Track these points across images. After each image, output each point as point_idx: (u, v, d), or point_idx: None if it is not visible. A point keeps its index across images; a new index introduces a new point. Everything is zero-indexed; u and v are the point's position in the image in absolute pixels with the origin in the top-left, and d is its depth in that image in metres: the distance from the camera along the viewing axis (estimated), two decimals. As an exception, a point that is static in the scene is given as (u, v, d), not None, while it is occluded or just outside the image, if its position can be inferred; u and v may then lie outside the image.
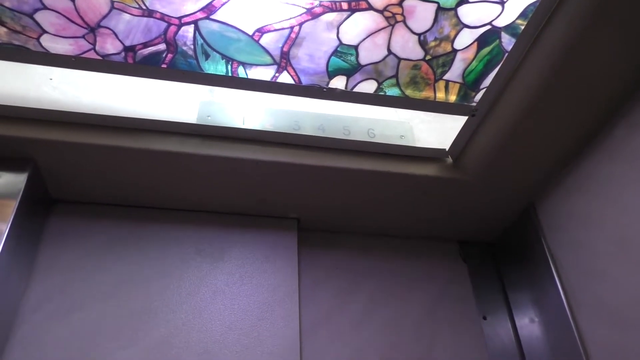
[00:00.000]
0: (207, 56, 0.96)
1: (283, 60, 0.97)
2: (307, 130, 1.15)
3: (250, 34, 0.93)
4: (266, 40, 0.94)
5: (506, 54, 0.98)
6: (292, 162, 1.12)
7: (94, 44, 0.94)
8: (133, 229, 1.19)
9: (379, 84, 1.02)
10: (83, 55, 0.96)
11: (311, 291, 1.21)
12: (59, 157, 1.08)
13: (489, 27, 0.94)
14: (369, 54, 0.97)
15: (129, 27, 0.91)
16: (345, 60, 0.97)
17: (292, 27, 0.92)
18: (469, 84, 1.04)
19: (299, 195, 1.23)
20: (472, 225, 1.36)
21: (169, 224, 1.22)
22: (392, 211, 1.29)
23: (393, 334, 1.20)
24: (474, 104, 1.07)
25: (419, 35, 0.94)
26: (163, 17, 0.90)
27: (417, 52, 0.97)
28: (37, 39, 0.93)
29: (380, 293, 1.26)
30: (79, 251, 1.13)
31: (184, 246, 1.19)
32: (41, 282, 1.08)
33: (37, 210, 1.14)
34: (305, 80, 1.01)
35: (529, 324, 1.22)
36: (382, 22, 0.92)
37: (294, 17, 0.90)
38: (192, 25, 0.91)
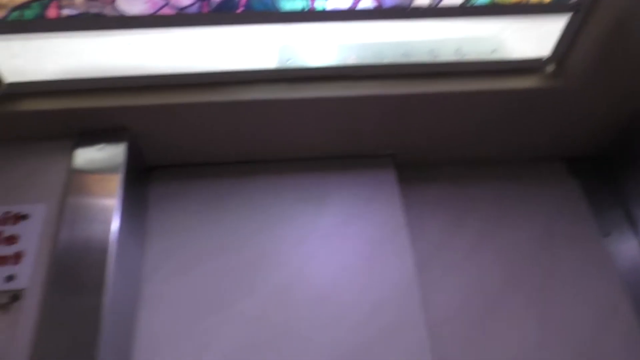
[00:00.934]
0: (282, -8, 0.92)
1: (362, -18, 0.91)
2: (392, 59, 1.09)
3: (325, -43, 0.87)
4: (342, -38, 0.88)
5: None
6: (379, 95, 1.07)
7: (168, -1, 0.92)
8: (232, 185, 1.19)
9: (467, -8, 0.94)
10: (159, 13, 0.94)
11: (418, 226, 1.17)
12: (151, 121, 1.09)
13: None
14: (454, -42, 0.89)
15: (201, -27, 0.89)
16: (429, -30, 0.90)
17: (368, -58, 0.86)
18: (569, -25, 0.94)
19: (391, 129, 1.17)
20: (580, 139, 1.26)
21: (266, 175, 1.21)
22: (490, 134, 1.21)
23: (510, 260, 1.15)
24: (576, -2, 0.97)
25: None
26: (233, -44, 0.86)
27: (507, -53, 0.88)
28: (112, 3, 0.92)
29: (489, 222, 1.20)
30: (184, 213, 1.15)
31: (284, 195, 1.18)
32: (156, 246, 1.10)
33: (139, 179, 1.15)
34: (387, 3, 0.95)
35: (658, 236, 1.13)
36: None
37: None
38: (264, -41, 0.87)
